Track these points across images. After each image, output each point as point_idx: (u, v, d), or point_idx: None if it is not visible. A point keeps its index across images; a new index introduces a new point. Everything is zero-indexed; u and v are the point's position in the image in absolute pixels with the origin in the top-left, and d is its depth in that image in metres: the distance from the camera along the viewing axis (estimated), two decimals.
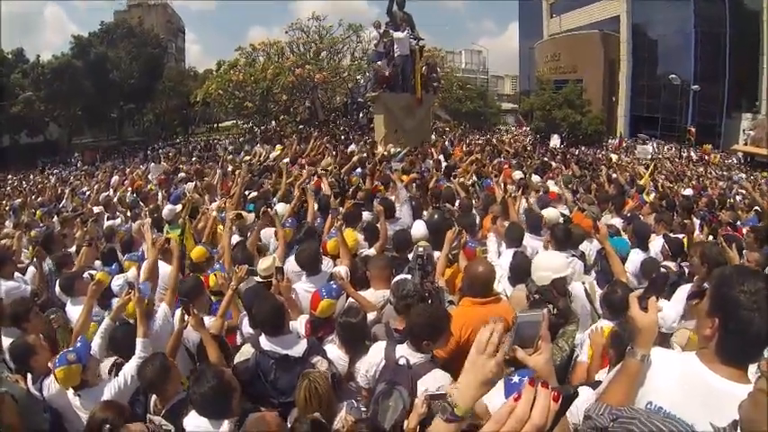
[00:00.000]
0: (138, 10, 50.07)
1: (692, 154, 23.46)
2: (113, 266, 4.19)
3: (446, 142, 13.23)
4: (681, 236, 4.41)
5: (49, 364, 2.46)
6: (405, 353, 2.23)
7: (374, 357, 2.35)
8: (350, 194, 5.56)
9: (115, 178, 10.69)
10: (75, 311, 3.42)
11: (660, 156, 20.60)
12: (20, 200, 10.18)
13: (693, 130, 25.74)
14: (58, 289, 3.90)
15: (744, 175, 15.75)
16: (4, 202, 10.97)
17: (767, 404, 0.92)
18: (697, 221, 5.53)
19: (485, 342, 0.81)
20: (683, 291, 2.84)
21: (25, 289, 4.06)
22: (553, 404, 0.67)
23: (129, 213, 6.36)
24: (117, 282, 3.40)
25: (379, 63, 11.57)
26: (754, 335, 1.10)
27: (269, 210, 4.46)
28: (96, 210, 6.77)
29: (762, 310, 1.08)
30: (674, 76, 26.91)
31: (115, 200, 7.38)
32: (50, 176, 18.20)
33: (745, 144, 26.87)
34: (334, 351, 2.57)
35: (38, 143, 33.54)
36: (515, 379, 1.44)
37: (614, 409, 1.16)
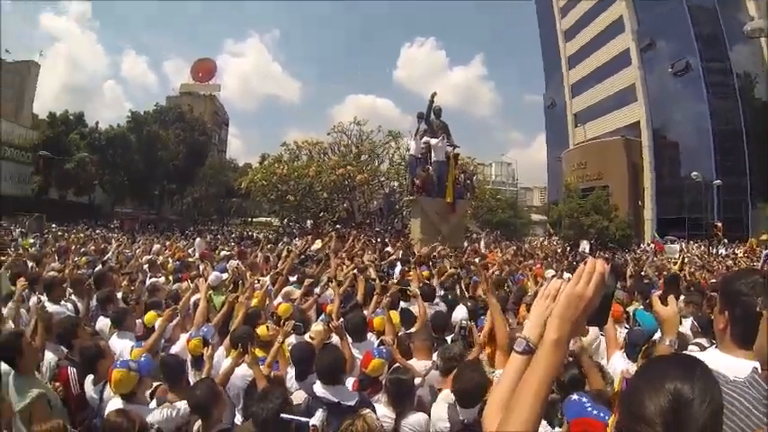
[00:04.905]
0: (189, 98, 54.26)
1: (722, 250, 22.91)
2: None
3: (479, 245, 13.35)
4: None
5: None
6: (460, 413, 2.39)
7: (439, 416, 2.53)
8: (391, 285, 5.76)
9: (157, 246, 10.93)
10: (119, 344, 3.58)
11: (689, 253, 20.21)
12: (65, 243, 10.64)
13: (720, 225, 25.34)
14: (98, 325, 4.13)
15: None
16: (49, 247, 11.15)
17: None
18: None
19: (550, 288, 0.96)
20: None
21: (69, 315, 4.19)
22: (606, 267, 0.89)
23: (171, 277, 6.57)
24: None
25: (417, 168, 11.91)
26: (757, 315, 1.24)
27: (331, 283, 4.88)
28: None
29: (758, 293, 1.28)
30: (695, 173, 27.17)
31: (158, 263, 7.58)
32: (93, 233, 18.66)
33: None
34: (381, 409, 2.67)
35: (82, 203, 35.42)
36: (575, 397, 1.62)
37: None
